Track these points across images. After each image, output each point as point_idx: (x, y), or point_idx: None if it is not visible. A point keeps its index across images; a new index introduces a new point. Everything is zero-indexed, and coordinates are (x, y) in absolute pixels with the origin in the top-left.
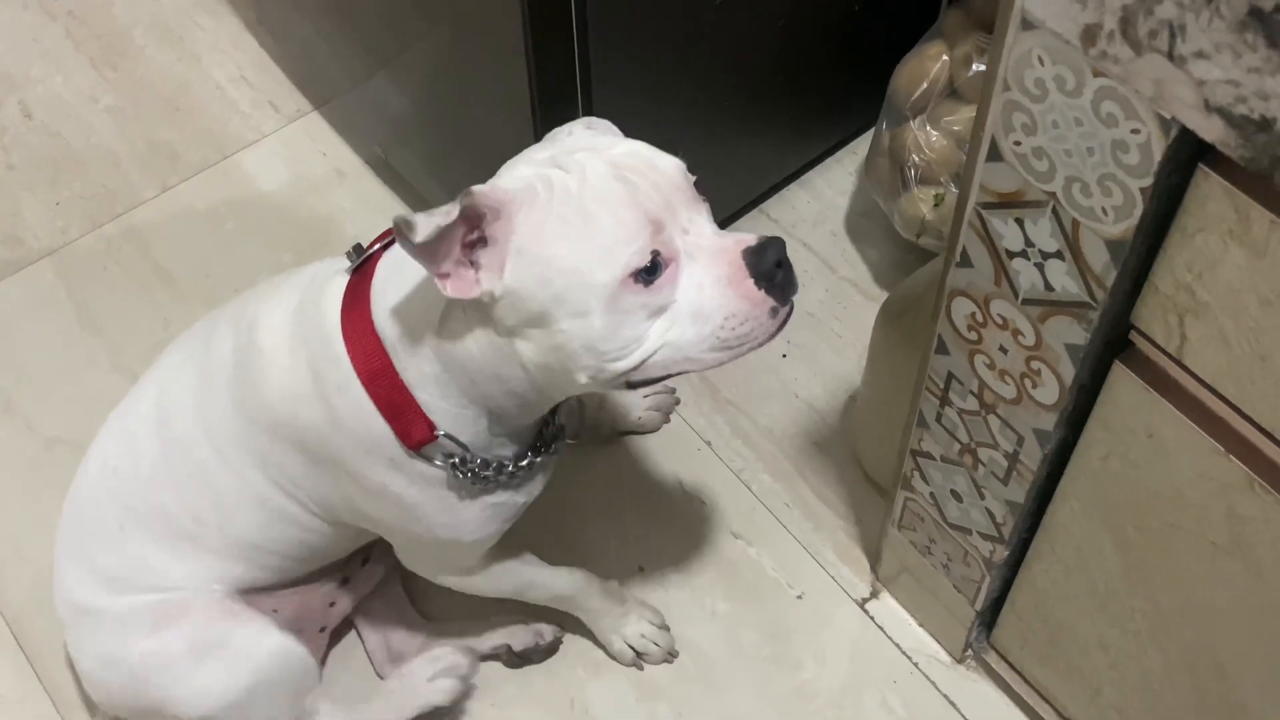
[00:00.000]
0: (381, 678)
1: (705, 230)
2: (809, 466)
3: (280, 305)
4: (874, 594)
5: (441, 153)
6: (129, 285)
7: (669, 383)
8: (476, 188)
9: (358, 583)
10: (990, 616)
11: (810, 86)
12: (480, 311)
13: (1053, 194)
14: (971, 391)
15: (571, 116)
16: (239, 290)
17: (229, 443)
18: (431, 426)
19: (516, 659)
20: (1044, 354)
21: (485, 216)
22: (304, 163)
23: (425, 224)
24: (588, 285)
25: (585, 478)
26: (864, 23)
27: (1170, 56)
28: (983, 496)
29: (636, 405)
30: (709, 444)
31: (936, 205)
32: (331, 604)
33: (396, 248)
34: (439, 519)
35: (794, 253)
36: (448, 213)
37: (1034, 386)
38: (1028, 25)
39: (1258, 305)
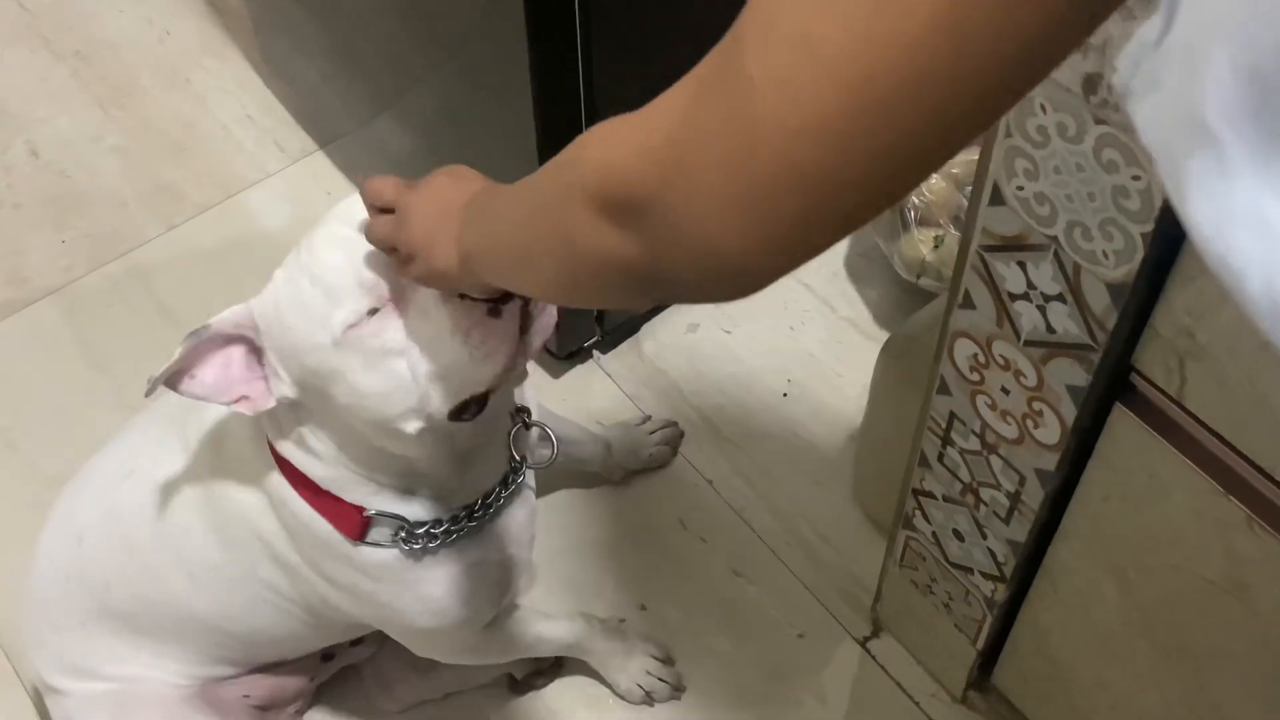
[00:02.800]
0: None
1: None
2: (809, 505)
3: (222, 435)
4: (875, 632)
5: None
6: (133, 324)
7: (667, 414)
8: (213, 320)
9: (344, 656)
10: (991, 655)
11: None
12: (296, 410)
13: (1054, 238)
14: (974, 431)
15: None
16: None
17: (218, 558)
18: (360, 510)
19: (522, 686)
20: (1046, 395)
21: (248, 336)
22: (308, 202)
23: (153, 380)
24: (321, 347)
25: (586, 518)
26: None
27: None
28: (984, 536)
29: (645, 443)
30: (710, 483)
31: (936, 247)
32: (311, 678)
33: None
34: (418, 607)
35: (794, 293)
36: (171, 362)
37: (1036, 427)
38: None
39: (1256, 348)
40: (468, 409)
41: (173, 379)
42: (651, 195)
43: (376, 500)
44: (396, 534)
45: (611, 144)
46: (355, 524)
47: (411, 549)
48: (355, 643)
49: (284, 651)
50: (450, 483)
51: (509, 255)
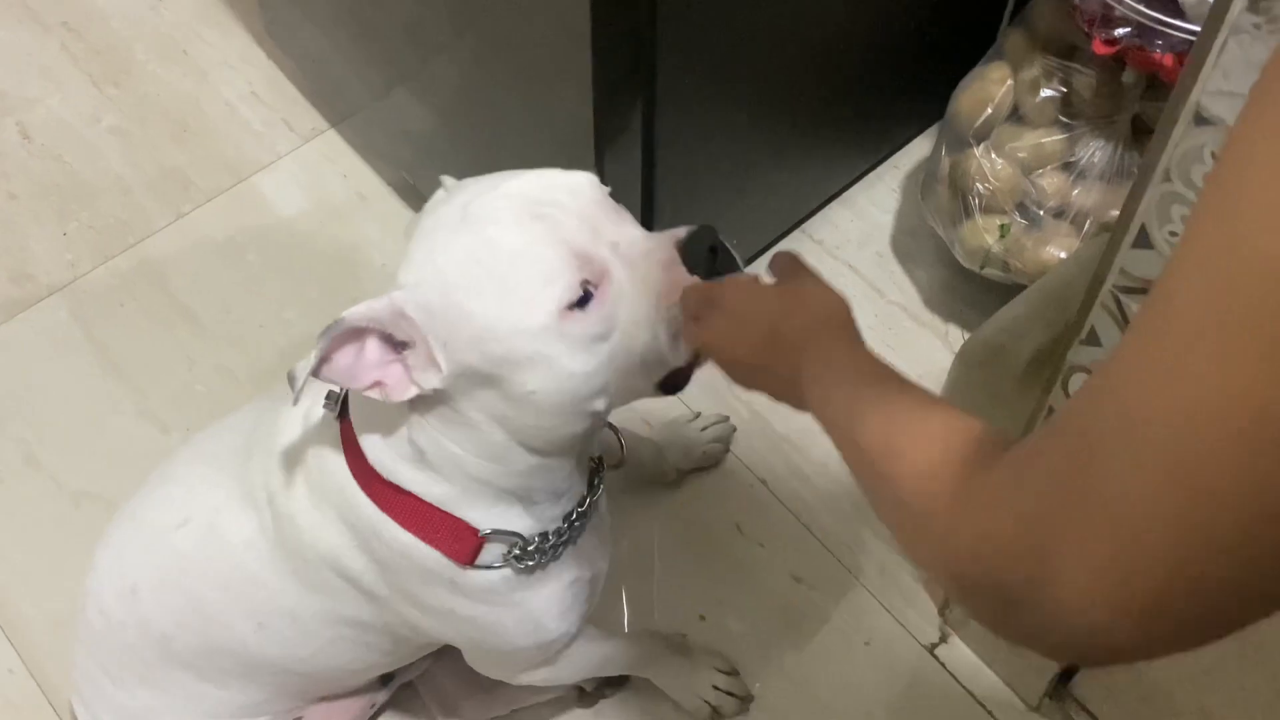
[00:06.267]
0: None
1: (634, 237)
2: (868, 504)
3: (288, 469)
4: (943, 639)
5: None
6: (148, 323)
7: (716, 410)
8: (347, 313)
9: (402, 674)
10: (1072, 667)
11: (859, 107)
12: (443, 406)
13: None
14: None
15: (632, 142)
16: (263, 326)
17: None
18: (475, 532)
19: (591, 697)
20: None
21: (383, 331)
22: (324, 186)
23: (299, 374)
24: (526, 333)
25: (639, 527)
26: (920, 40)
27: None
28: None
29: (698, 441)
30: (764, 482)
31: (1002, 236)
32: (372, 703)
33: None
34: (519, 628)
35: (839, 276)
36: (312, 362)
37: None
38: (1201, 121)
39: None
40: (680, 379)
41: (294, 382)
42: (1017, 590)
43: (490, 516)
44: (509, 552)
45: (952, 511)
46: (469, 546)
47: (525, 566)
48: None
49: (350, 681)
50: (565, 482)
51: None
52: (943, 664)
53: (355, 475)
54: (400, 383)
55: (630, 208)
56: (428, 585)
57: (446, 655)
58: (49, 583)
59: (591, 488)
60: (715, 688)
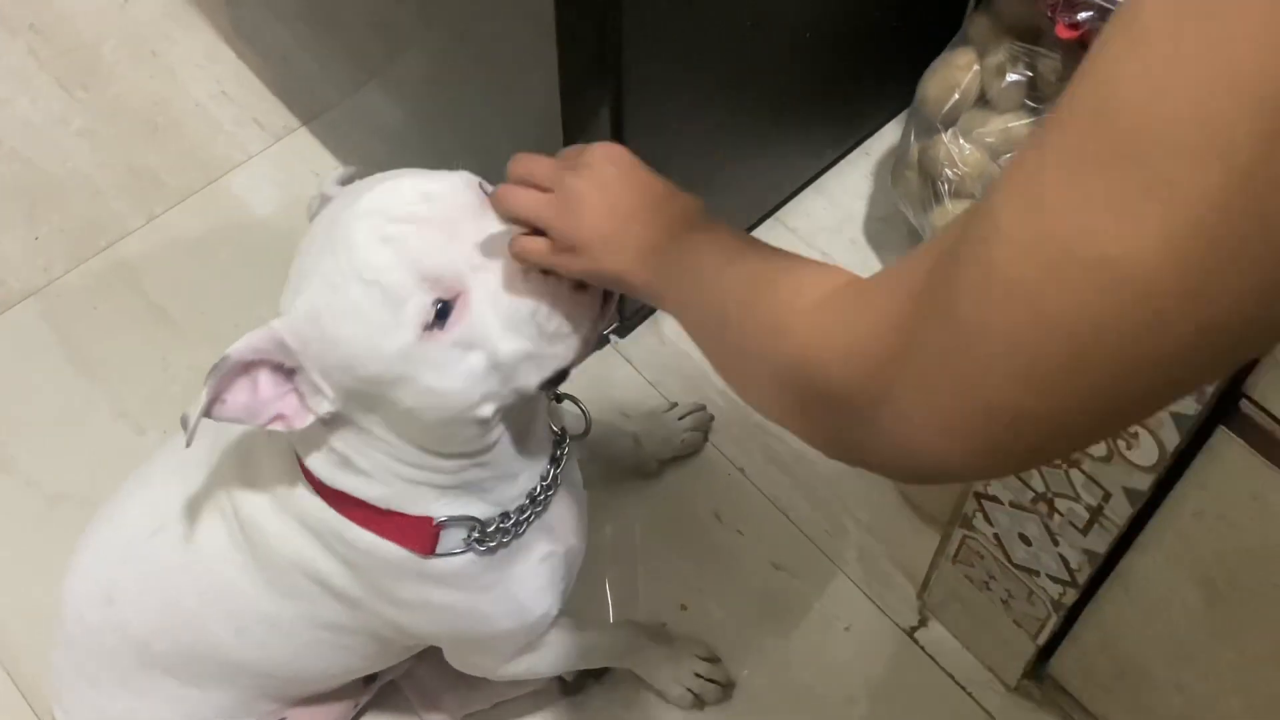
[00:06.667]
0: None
1: (494, 234)
2: (846, 491)
3: (245, 476)
4: (922, 622)
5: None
6: (122, 324)
7: (693, 399)
8: (231, 349)
9: (385, 674)
10: (1049, 647)
11: (829, 93)
12: (332, 426)
13: None
14: None
15: (599, 133)
16: (238, 325)
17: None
18: (429, 521)
19: (572, 686)
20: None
21: (272, 360)
22: (296, 184)
23: (189, 421)
24: (387, 357)
25: (617, 517)
26: (887, 27)
27: None
28: (1056, 543)
29: (676, 430)
30: (742, 470)
31: None
32: (355, 703)
33: None
34: (497, 609)
35: None
36: (202, 402)
37: (1129, 448)
38: None
39: None
40: (556, 381)
41: (187, 429)
42: (861, 406)
43: (439, 506)
44: (469, 537)
45: (821, 335)
46: (426, 536)
47: (487, 548)
48: None
49: (332, 683)
50: (512, 465)
51: (698, 328)
52: (922, 647)
53: (310, 481)
54: (298, 411)
55: None
56: (399, 580)
57: (429, 651)
58: (26, 584)
59: (554, 460)
60: (697, 675)
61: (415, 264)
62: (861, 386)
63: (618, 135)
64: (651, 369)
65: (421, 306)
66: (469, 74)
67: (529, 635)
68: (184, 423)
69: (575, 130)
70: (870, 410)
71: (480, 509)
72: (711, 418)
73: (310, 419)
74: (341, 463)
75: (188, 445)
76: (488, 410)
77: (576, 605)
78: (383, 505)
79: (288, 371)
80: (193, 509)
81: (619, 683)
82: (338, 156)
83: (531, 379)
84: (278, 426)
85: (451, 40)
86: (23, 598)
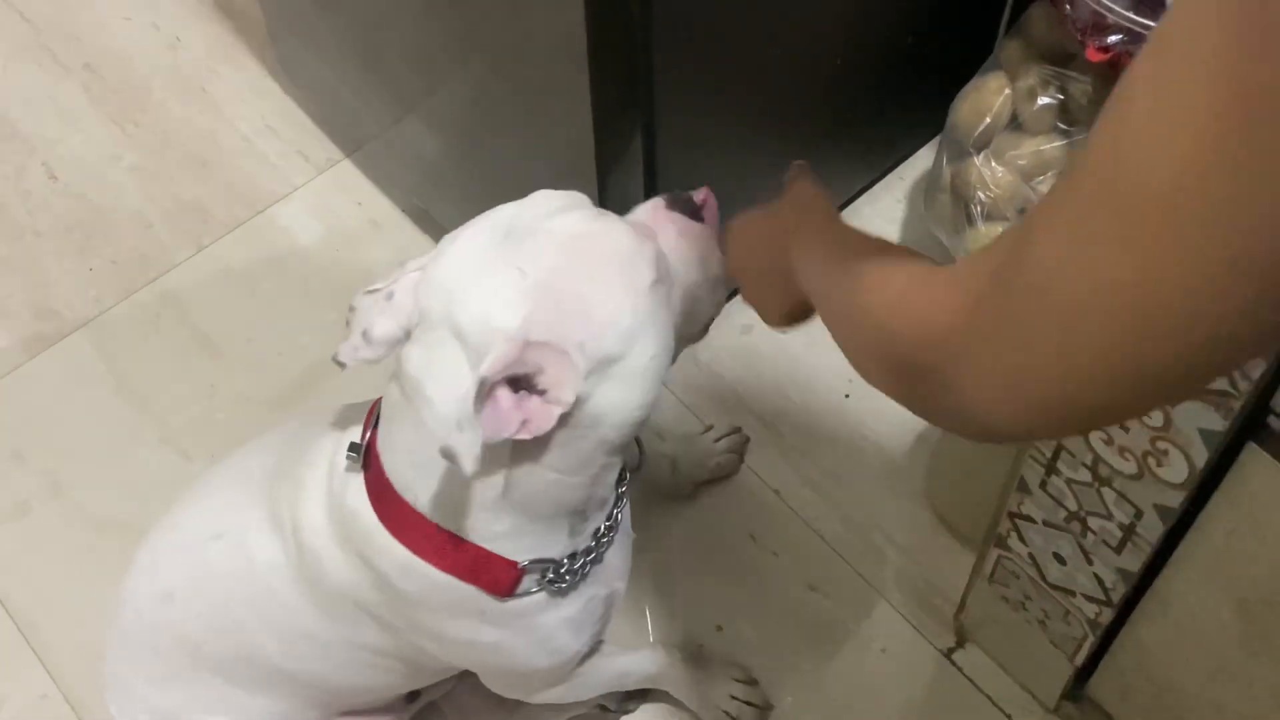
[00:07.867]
0: None
1: (638, 214)
2: (881, 512)
3: (313, 504)
4: (959, 643)
5: (486, 200)
6: (170, 354)
7: (728, 422)
8: (484, 371)
9: (428, 693)
10: (1088, 668)
11: (860, 120)
12: (554, 433)
13: None
14: (1084, 464)
15: (633, 163)
16: (281, 354)
17: (306, 619)
18: (514, 565)
19: (614, 713)
20: (1173, 436)
21: (514, 374)
22: (338, 215)
23: (469, 450)
24: (643, 294)
25: (653, 539)
26: (918, 54)
27: None
28: (1090, 562)
29: (711, 453)
30: (777, 492)
31: None
32: (397, 718)
33: (391, 434)
34: (538, 649)
35: None
36: (479, 427)
37: (1159, 465)
38: None
39: None
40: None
41: (464, 461)
42: (933, 370)
43: (530, 547)
44: (544, 576)
45: (901, 308)
46: (508, 578)
47: (557, 589)
48: None
49: (373, 698)
50: (610, 489)
51: (816, 298)
52: (959, 668)
53: (383, 520)
54: (541, 411)
55: None
56: (455, 618)
57: (470, 674)
58: (77, 610)
59: (618, 500)
60: (734, 698)
61: (627, 221)
62: (936, 355)
63: (649, 165)
64: (687, 392)
65: (652, 258)
66: (504, 107)
67: (558, 672)
68: (449, 455)
69: (608, 160)
70: (944, 376)
71: (560, 548)
72: (747, 440)
73: (558, 414)
74: (492, 501)
75: (469, 473)
76: (675, 356)
77: (613, 628)
78: (489, 543)
79: (514, 382)
80: (251, 521)
81: (658, 707)
82: (379, 187)
83: (697, 323)
84: (524, 434)
85: (488, 74)
86: (73, 622)
